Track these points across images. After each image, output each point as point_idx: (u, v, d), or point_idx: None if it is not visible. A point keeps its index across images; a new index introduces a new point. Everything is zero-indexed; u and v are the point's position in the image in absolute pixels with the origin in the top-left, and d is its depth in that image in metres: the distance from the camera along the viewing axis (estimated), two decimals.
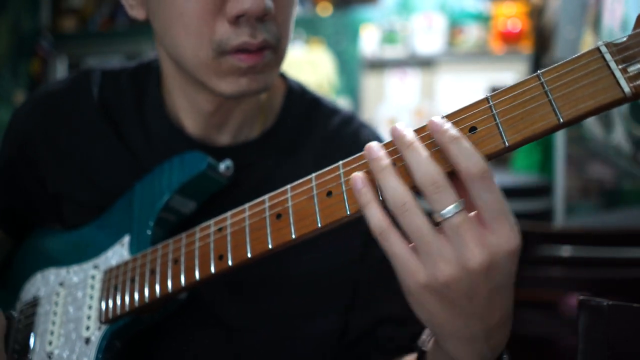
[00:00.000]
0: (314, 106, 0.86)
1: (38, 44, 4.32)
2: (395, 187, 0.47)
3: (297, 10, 0.73)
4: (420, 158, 0.46)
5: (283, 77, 0.87)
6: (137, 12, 0.74)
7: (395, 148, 0.50)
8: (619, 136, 1.73)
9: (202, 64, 0.68)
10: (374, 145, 0.50)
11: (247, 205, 0.60)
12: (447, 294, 0.47)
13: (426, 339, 0.59)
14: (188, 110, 0.78)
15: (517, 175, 2.80)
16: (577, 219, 2.17)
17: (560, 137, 2.26)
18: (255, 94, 0.72)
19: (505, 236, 0.45)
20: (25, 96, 4.12)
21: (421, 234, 0.46)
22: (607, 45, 0.44)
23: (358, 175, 0.50)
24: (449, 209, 0.45)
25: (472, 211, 0.47)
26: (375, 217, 0.48)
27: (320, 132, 0.84)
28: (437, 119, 0.48)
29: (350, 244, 0.78)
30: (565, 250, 1.29)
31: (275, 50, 0.69)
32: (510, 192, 2.49)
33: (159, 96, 0.81)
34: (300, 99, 0.85)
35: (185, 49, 0.68)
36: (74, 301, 0.73)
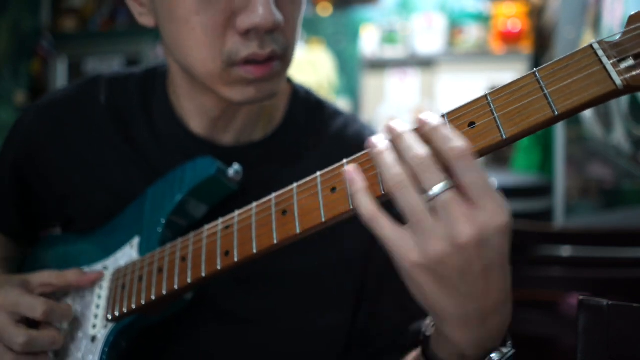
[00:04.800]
0: (318, 108, 0.88)
1: (38, 44, 4.33)
2: (390, 167, 0.50)
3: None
4: (409, 142, 0.49)
5: (288, 80, 0.89)
6: (146, 20, 0.76)
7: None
8: (619, 136, 1.73)
9: (211, 74, 0.69)
10: (373, 137, 0.53)
11: (254, 204, 0.62)
12: (440, 272, 0.48)
13: (429, 324, 0.60)
14: (194, 113, 0.80)
15: (517, 175, 2.80)
16: (577, 219, 2.17)
17: (560, 137, 2.26)
18: (263, 101, 0.74)
19: (492, 212, 0.47)
20: (25, 96, 4.12)
21: (415, 212, 0.48)
22: (600, 42, 0.46)
23: (350, 166, 0.53)
24: (438, 187, 0.47)
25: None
26: (364, 203, 0.51)
27: (324, 134, 0.85)
28: (424, 115, 0.51)
29: (357, 241, 0.80)
30: (565, 250, 1.29)
31: (283, 59, 0.71)
32: (510, 192, 2.50)
33: (166, 98, 0.82)
34: (305, 102, 0.87)
35: (196, 60, 0.69)
36: (82, 300, 0.74)
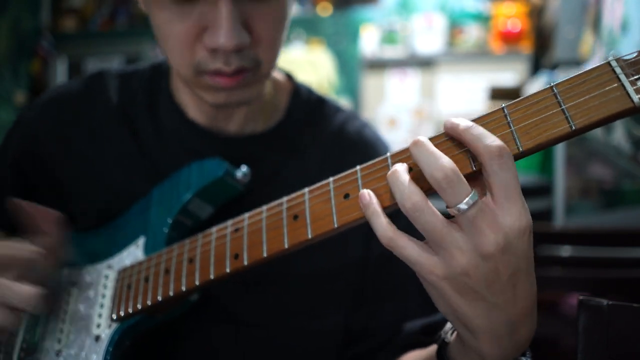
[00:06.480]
0: (319, 105, 0.89)
1: (38, 44, 4.32)
2: (403, 189, 0.48)
3: (289, 22, 0.74)
4: (430, 153, 0.47)
5: (290, 77, 0.90)
6: (143, 8, 0.79)
7: (409, 155, 0.52)
8: (619, 136, 1.74)
9: (186, 77, 0.73)
10: (396, 165, 0.51)
11: (264, 207, 0.62)
12: (467, 284, 0.47)
13: (449, 330, 0.59)
14: (196, 105, 0.81)
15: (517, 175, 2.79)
16: (577, 219, 2.17)
17: None
18: (238, 106, 0.76)
19: (516, 214, 0.46)
20: (25, 96, 4.12)
21: (434, 230, 0.47)
22: (617, 60, 0.47)
23: (365, 191, 0.52)
24: (466, 202, 0.46)
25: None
26: (381, 227, 0.49)
27: (325, 130, 0.86)
28: (451, 119, 0.50)
29: (354, 242, 0.80)
30: (565, 250, 1.29)
31: (256, 71, 0.72)
32: None
33: (170, 92, 0.84)
34: (306, 99, 0.88)
35: (173, 64, 0.74)
36: (86, 300, 0.73)
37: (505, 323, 0.49)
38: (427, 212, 0.47)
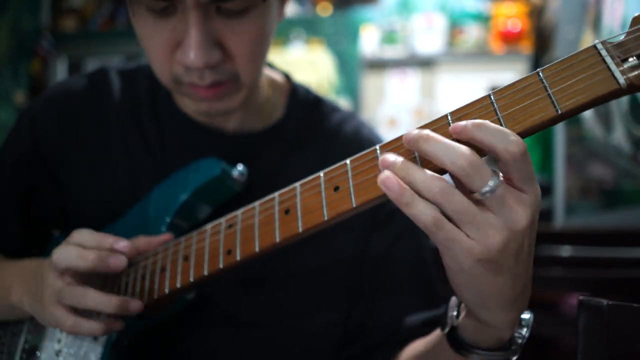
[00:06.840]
0: (316, 105, 0.89)
1: (38, 44, 4.32)
2: (425, 177, 0.47)
3: (272, 33, 0.74)
4: (445, 144, 0.46)
5: (288, 77, 0.90)
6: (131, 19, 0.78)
7: (403, 147, 0.51)
8: (619, 136, 1.73)
9: (167, 86, 0.75)
10: (386, 155, 0.50)
11: (257, 203, 0.62)
12: (498, 261, 0.48)
13: (452, 315, 0.60)
14: None
15: None
16: (577, 219, 2.17)
17: (560, 137, 2.26)
18: (220, 115, 0.76)
19: (536, 194, 0.48)
20: (25, 96, 4.12)
21: (466, 210, 0.47)
22: (603, 42, 0.47)
23: (389, 177, 0.48)
24: (491, 184, 0.46)
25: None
26: (426, 211, 0.47)
27: (322, 129, 0.87)
28: (455, 125, 0.48)
29: (352, 238, 0.80)
30: (565, 250, 1.29)
31: (235, 82, 0.72)
32: None
33: (169, 90, 0.84)
34: (304, 99, 0.88)
35: (155, 73, 0.75)
36: None
37: (522, 288, 0.52)
38: (455, 193, 0.46)
